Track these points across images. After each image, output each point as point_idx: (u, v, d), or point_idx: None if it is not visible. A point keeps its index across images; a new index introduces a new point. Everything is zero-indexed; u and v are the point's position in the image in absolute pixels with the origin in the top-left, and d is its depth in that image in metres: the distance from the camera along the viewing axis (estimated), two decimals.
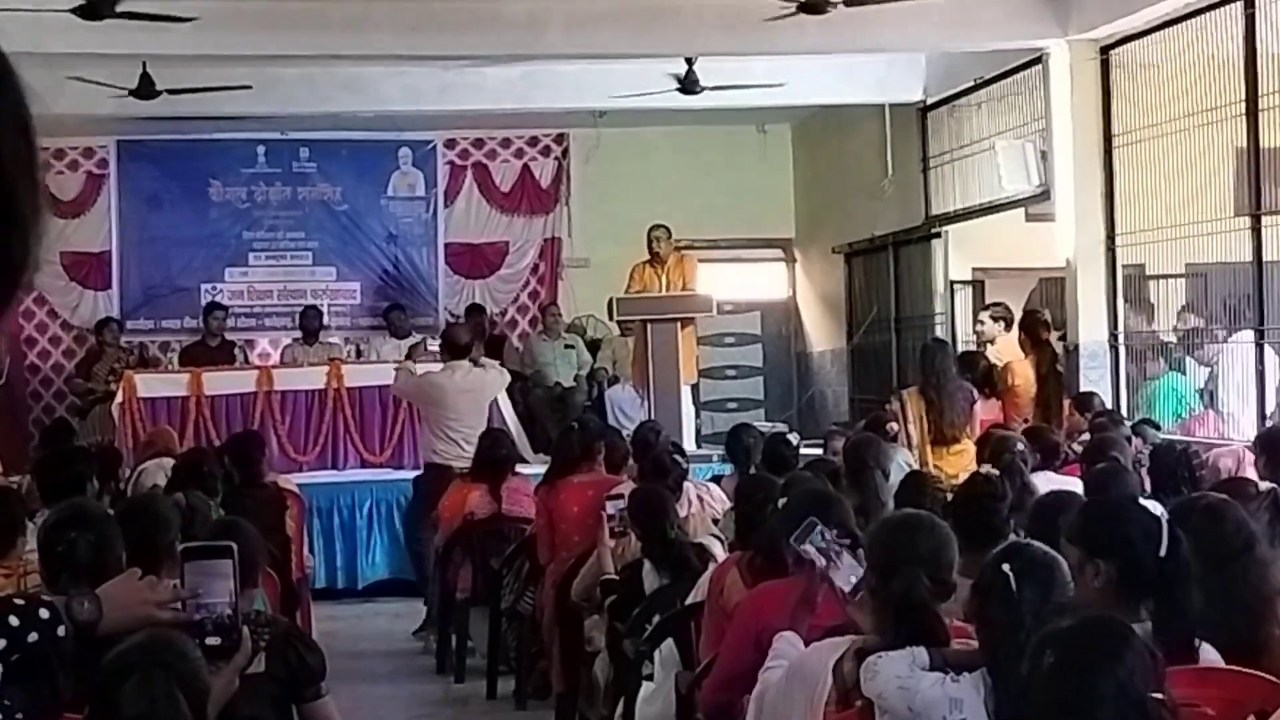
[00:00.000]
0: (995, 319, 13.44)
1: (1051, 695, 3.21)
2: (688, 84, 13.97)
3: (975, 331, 14.17)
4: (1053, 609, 3.71)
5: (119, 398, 14.47)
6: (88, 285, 17.88)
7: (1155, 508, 4.13)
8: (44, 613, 3.27)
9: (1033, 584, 3.75)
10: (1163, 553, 3.96)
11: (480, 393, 12.18)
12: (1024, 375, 12.68)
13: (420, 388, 12.42)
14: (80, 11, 10.37)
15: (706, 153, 18.49)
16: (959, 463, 10.38)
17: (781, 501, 5.53)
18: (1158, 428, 10.62)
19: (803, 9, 10.70)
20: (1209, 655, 4.01)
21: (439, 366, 12.60)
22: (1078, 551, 4.07)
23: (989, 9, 12.64)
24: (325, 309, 17.57)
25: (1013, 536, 5.09)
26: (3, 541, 5.98)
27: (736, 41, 12.60)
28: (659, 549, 7.15)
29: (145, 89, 13.30)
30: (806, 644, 4.56)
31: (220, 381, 14.83)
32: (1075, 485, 7.08)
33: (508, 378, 12.79)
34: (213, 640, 3.28)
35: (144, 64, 13.11)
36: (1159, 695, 3.20)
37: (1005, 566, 3.76)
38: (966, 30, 12.74)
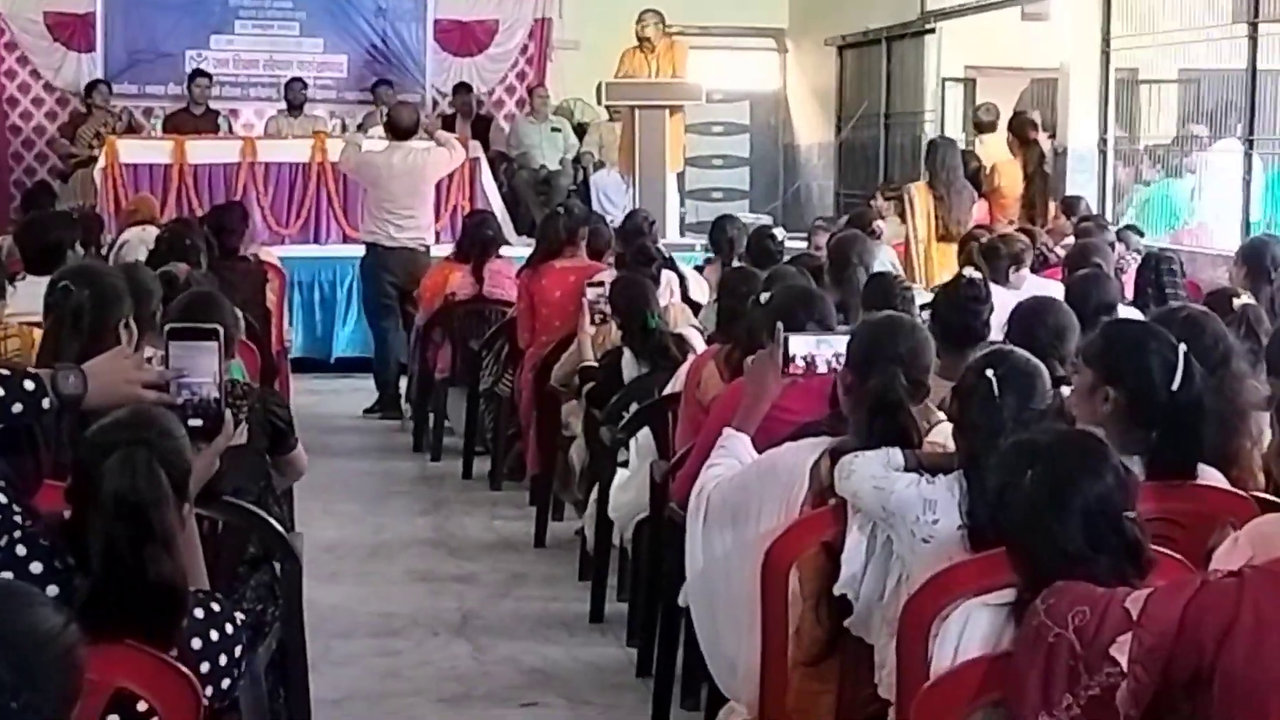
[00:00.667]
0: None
1: (1026, 504, 3.24)
2: None
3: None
4: (1034, 416, 3.73)
5: (101, 163, 14.38)
6: (71, 46, 17.55)
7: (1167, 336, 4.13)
8: (29, 384, 3.28)
9: (1015, 391, 3.76)
10: (1175, 387, 3.97)
11: (417, 175, 11.79)
12: (1011, 176, 12.65)
13: (359, 165, 12.21)
14: None
15: None
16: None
17: (764, 296, 5.51)
18: (1141, 234, 10.63)
19: None
20: (1210, 476, 4.03)
21: (381, 145, 12.40)
22: (1091, 374, 4.09)
23: None
24: (311, 81, 17.33)
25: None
26: None
27: None
28: (639, 338, 7.17)
29: None
30: (773, 438, 4.57)
31: (204, 151, 14.75)
32: (1057, 289, 7.08)
33: (458, 157, 12.47)
34: (195, 422, 3.29)
35: None
36: (1131, 514, 3.23)
37: (989, 372, 3.77)
38: None
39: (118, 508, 2.93)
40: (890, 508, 3.81)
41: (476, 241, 10.48)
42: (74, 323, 4.28)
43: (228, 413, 3.36)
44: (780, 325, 4.62)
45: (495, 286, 10.22)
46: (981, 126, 13.75)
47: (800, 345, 4.52)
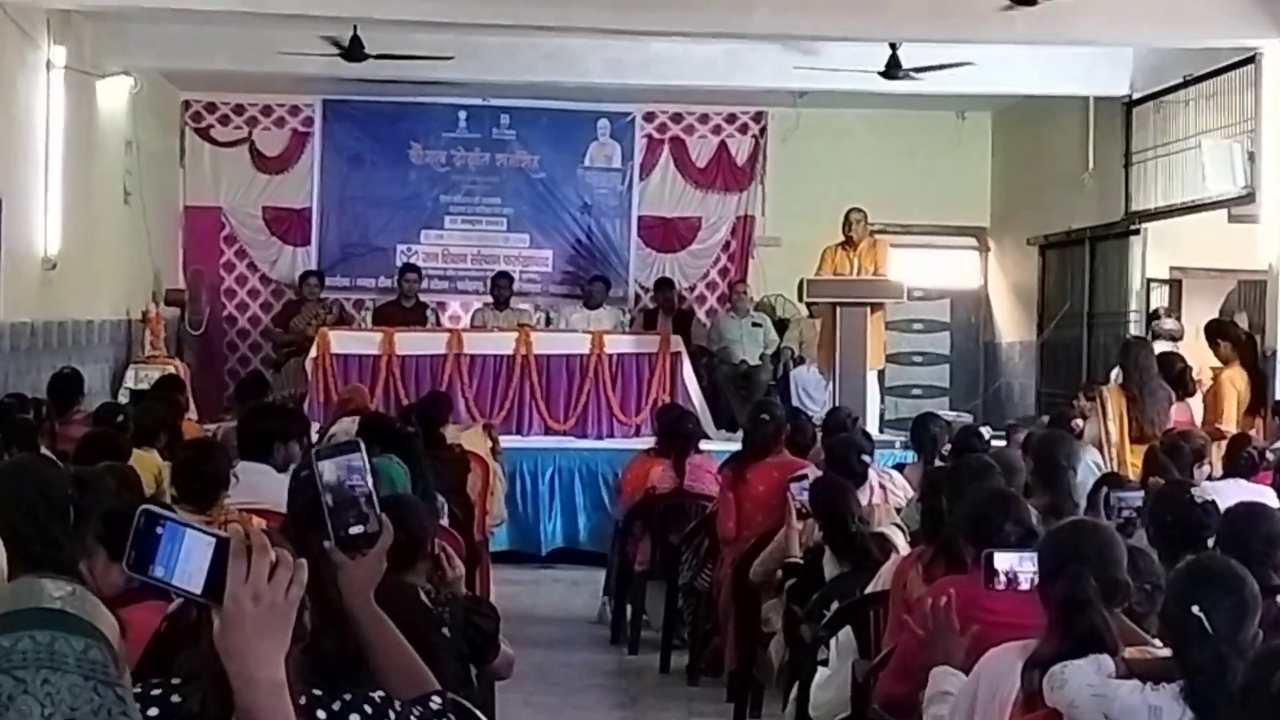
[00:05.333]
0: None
1: (1274, 706, 3.16)
2: (890, 69, 13.89)
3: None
4: (1248, 640, 3.67)
5: (313, 353, 14.77)
6: (287, 240, 18.23)
7: None
8: None
9: (1224, 612, 3.71)
10: None
11: None
12: (1230, 379, 12.39)
13: None
14: None
15: (904, 137, 18.35)
16: None
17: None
18: None
19: (1015, 1, 10.58)
20: None
21: None
22: None
23: (1202, 5, 12.45)
24: (517, 275, 17.68)
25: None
26: (210, 493, 6.12)
27: (942, 28, 12.54)
28: (840, 539, 7.16)
29: (354, 51, 13.51)
30: (987, 641, 4.55)
31: (412, 342, 15.07)
32: (1268, 495, 6.97)
33: None
34: (356, 529, 3.36)
35: (354, 27, 13.30)
36: None
37: (1196, 609, 3.71)
38: (1177, 26, 12.54)
39: None
40: (1114, 716, 3.76)
41: (677, 436, 10.58)
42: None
43: (384, 516, 3.42)
44: (988, 552, 4.61)
45: (695, 481, 10.28)
46: (1159, 335, 13.58)
47: (1003, 562, 4.53)
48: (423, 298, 17.06)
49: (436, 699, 3.32)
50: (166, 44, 14.77)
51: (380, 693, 3.17)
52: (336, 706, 3.07)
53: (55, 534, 3.94)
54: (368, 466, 3.37)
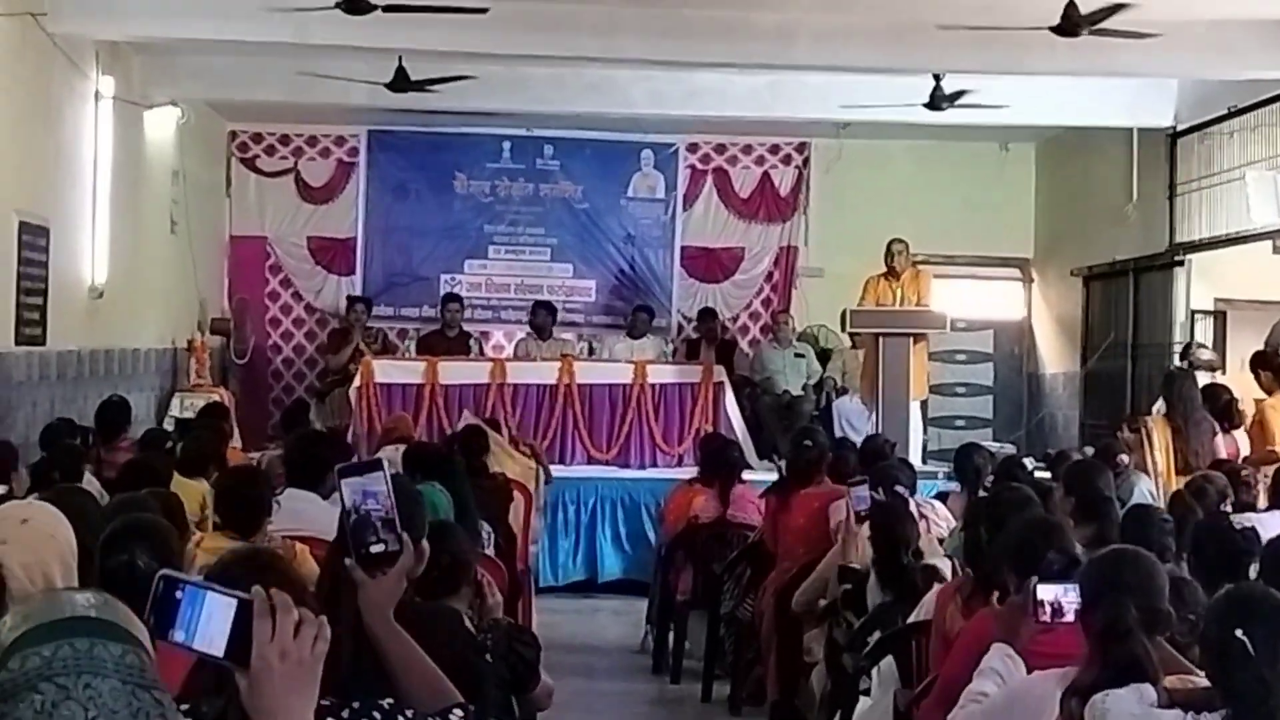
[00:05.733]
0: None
1: None
2: (934, 100, 13.90)
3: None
4: None
5: (357, 382, 14.84)
6: (332, 270, 18.32)
7: None
8: None
9: (1265, 638, 3.70)
10: None
11: None
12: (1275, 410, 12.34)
13: None
14: (344, 6, 10.62)
15: (947, 168, 18.36)
16: None
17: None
18: None
19: (1055, 30, 10.59)
20: None
21: None
22: None
23: (1245, 37, 12.41)
24: (560, 305, 17.73)
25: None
26: (252, 520, 6.16)
27: (985, 59, 12.54)
28: (890, 566, 7.14)
29: (399, 82, 13.59)
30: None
31: (455, 371, 15.13)
32: None
33: None
34: (377, 548, 3.39)
35: (399, 58, 13.38)
36: None
37: (1239, 632, 3.71)
38: (1221, 57, 12.53)
39: None
40: None
41: (721, 465, 10.58)
42: None
43: (405, 535, 3.44)
44: (1032, 582, 4.60)
45: (739, 510, 10.28)
46: (1197, 366, 13.51)
47: (1048, 592, 4.52)
48: (466, 327, 17.10)
49: (458, 711, 3.35)
50: (213, 75, 14.90)
51: (389, 700, 3.21)
52: (345, 715, 3.12)
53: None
54: (390, 487, 3.41)
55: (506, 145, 18.37)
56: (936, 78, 13.83)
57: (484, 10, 11.02)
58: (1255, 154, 13.73)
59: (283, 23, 11.74)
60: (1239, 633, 3.70)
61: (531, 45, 12.46)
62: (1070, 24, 10.52)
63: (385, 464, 3.47)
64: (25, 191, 11.28)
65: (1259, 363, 12.46)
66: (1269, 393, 12.23)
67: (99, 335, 13.10)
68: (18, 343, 11.14)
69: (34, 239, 11.37)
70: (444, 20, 11.18)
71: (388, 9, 10.59)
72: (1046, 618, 4.52)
